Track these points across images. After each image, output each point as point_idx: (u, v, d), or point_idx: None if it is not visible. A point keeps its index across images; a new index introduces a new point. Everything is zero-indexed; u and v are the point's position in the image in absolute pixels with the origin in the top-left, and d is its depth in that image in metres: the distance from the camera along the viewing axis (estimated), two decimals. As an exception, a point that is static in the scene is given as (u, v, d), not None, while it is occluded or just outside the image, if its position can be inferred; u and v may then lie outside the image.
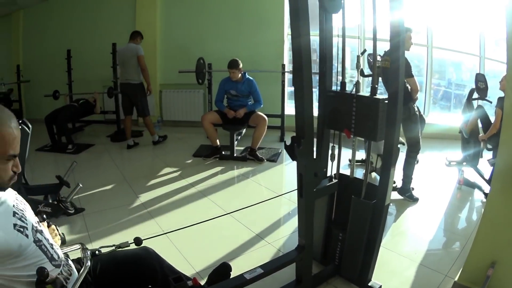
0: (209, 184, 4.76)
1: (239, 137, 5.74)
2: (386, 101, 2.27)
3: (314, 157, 2.37)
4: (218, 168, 5.26)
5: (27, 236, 1.48)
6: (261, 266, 2.28)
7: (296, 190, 2.34)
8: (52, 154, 6.92)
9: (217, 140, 5.54)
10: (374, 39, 2.37)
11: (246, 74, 5.56)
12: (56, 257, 1.63)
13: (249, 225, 3.62)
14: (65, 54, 8.29)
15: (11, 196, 1.57)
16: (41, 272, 1.39)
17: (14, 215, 1.49)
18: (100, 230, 3.86)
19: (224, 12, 7.37)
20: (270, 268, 2.33)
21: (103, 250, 1.95)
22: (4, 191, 1.49)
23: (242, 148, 5.90)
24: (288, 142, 2.25)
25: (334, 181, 2.65)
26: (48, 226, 1.79)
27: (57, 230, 1.89)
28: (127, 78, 6.41)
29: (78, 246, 1.85)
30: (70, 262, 1.79)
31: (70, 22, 8.93)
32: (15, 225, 1.46)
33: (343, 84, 2.56)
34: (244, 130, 5.77)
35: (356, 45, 5.11)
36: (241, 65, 5.36)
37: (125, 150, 6.67)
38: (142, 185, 4.90)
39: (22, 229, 1.48)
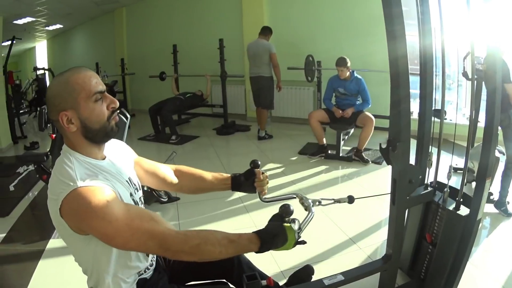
0: (311, 183, 4.72)
1: (346, 137, 5.64)
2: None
3: (411, 162, 2.26)
4: (322, 167, 5.20)
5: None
6: (342, 273, 2.22)
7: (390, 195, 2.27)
8: (154, 143, 7.37)
9: (324, 139, 5.51)
10: (472, 42, 2.22)
11: (355, 72, 5.44)
12: None
13: (344, 228, 3.55)
14: (170, 49, 8.78)
15: (130, 172, 1.65)
16: (288, 208, 1.50)
17: (127, 186, 1.54)
18: (191, 220, 4.00)
19: (333, 8, 7.27)
20: (351, 276, 2.24)
21: (323, 202, 1.94)
22: (110, 137, 1.48)
23: (348, 148, 5.78)
24: (385, 145, 2.17)
25: (430, 189, 2.48)
26: (262, 173, 1.92)
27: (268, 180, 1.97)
28: (258, 72, 6.63)
29: (294, 196, 1.95)
30: None
31: (173, 17, 9.44)
32: (131, 194, 1.54)
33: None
34: (352, 130, 5.66)
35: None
36: (349, 63, 5.27)
37: (230, 143, 6.93)
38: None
39: (136, 202, 1.56)
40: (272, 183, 4.64)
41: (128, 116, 4.56)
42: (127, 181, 1.57)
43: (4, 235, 4.11)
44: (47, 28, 12.76)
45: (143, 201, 1.71)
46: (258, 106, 6.85)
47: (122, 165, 1.61)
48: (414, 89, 2.33)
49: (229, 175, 1.95)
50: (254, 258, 2.73)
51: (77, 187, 1.28)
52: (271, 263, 3.05)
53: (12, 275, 3.57)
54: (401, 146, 2.06)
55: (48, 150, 4.80)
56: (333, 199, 1.96)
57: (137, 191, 1.64)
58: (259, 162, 1.92)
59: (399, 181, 2.14)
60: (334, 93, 5.57)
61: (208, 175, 1.96)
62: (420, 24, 2.35)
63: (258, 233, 1.47)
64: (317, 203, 1.89)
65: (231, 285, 1.98)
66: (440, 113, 2.39)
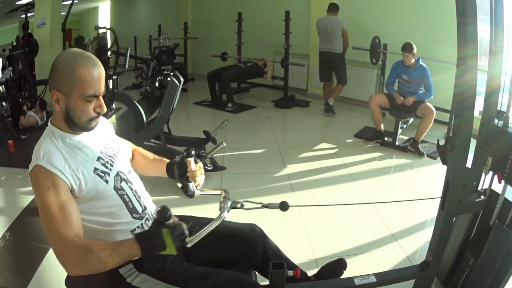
0: (362, 169, 4.67)
1: (405, 126, 5.50)
2: None
3: (468, 165, 2.12)
4: (376, 154, 5.14)
5: (106, 181, 1.63)
6: (375, 275, 2.19)
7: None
8: (209, 109, 7.56)
9: (382, 125, 5.41)
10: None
11: (420, 60, 5.27)
12: (139, 209, 1.75)
13: (388, 222, 3.47)
14: (235, 16, 8.77)
15: (102, 141, 1.74)
16: (163, 212, 1.45)
17: (98, 160, 1.64)
18: (233, 192, 4.09)
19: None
20: (384, 279, 2.22)
21: (247, 206, 1.86)
22: (84, 131, 1.62)
23: (405, 137, 5.62)
24: (443, 142, 2.07)
25: (482, 197, 2.31)
26: (195, 162, 1.87)
27: (202, 172, 1.92)
28: (330, 48, 6.73)
29: (220, 192, 1.86)
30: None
31: None
32: (95, 169, 1.61)
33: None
34: (411, 120, 5.52)
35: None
36: (415, 50, 5.11)
37: (286, 117, 6.96)
38: (293, 155, 5.04)
39: (102, 174, 1.63)
40: (321, 163, 4.82)
41: (181, 79, 4.67)
42: (100, 151, 1.68)
43: None
44: None
45: (126, 163, 1.83)
46: (324, 80, 6.99)
47: (98, 135, 1.72)
48: (480, 87, 2.17)
49: (167, 160, 1.99)
50: (291, 241, 2.75)
51: (37, 163, 1.49)
52: (307, 249, 3.07)
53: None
54: (459, 146, 1.97)
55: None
56: (261, 204, 1.86)
57: (116, 157, 1.74)
58: (193, 151, 1.87)
59: (452, 184, 2.05)
60: (397, 79, 5.45)
61: (151, 157, 2.07)
62: (492, 19, 2.20)
63: (137, 238, 1.48)
64: (239, 205, 1.84)
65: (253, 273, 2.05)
66: (504, 116, 2.28)
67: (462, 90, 1.94)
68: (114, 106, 4.85)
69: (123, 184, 1.71)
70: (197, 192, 1.94)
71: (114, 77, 4.77)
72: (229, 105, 7.42)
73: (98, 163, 1.64)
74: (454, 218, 2.31)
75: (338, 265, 2.24)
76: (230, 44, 9.03)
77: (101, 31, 15.56)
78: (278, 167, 4.66)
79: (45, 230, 1.49)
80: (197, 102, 8.10)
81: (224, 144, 4.33)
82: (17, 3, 10.59)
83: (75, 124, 1.57)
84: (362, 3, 7.26)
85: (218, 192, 1.87)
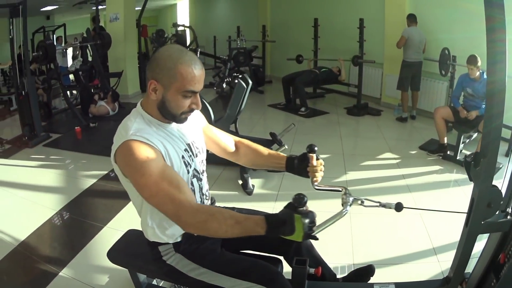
0: (420, 181, 4.70)
1: (467, 140, 5.44)
2: None
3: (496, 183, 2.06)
4: (437, 167, 5.13)
5: (188, 172, 1.80)
6: (396, 284, 2.24)
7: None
8: (283, 112, 7.89)
9: (445, 138, 5.39)
10: None
11: (485, 73, 5.09)
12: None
13: (432, 234, 3.50)
14: (311, 22, 8.95)
15: (190, 137, 1.87)
16: (299, 197, 1.53)
17: (185, 150, 1.81)
18: (289, 193, 4.23)
19: (478, 1, 6.76)
20: None
21: (366, 203, 1.96)
22: (175, 122, 1.76)
23: (468, 152, 5.42)
24: (470, 158, 2.05)
25: (509, 218, 2.22)
26: (317, 159, 1.99)
27: (323, 168, 2.02)
28: (419, 58, 6.91)
29: (340, 189, 1.99)
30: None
31: None
32: (183, 156, 1.78)
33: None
34: (475, 135, 5.43)
35: None
36: (479, 63, 5.02)
37: (356, 125, 7.11)
38: (356, 162, 5.21)
39: (186, 164, 1.79)
40: (381, 172, 4.91)
41: (250, 82, 5.00)
42: (188, 144, 1.84)
43: (105, 172, 5.03)
44: None
45: (205, 164, 1.99)
46: (406, 90, 7.08)
47: (187, 130, 1.87)
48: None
49: (286, 155, 2.08)
50: (334, 243, 2.94)
51: (129, 138, 1.60)
52: (348, 253, 3.22)
53: (101, 208, 4.36)
54: (485, 164, 1.94)
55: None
56: (379, 203, 1.95)
57: (199, 154, 1.91)
58: (316, 148, 1.95)
59: (477, 202, 2.02)
60: (463, 92, 5.41)
61: (265, 151, 2.14)
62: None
63: (266, 217, 1.55)
64: (359, 202, 1.93)
65: (284, 263, 2.17)
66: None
67: (491, 105, 1.95)
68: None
69: (194, 180, 1.87)
70: (314, 187, 2.04)
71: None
72: (302, 109, 7.72)
73: (186, 153, 1.80)
74: (488, 236, 2.28)
75: (366, 271, 2.33)
76: (306, 49, 9.23)
77: (179, 28, 16.32)
78: (338, 173, 4.84)
79: (152, 201, 1.61)
80: (271, 105, 8.53)
81: (286, 147, 4.62)
82: None
83: (169, 114, 1.70)
84: (435, 11, 7.20)
85: (339, 188, 2.01)
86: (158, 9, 21.55)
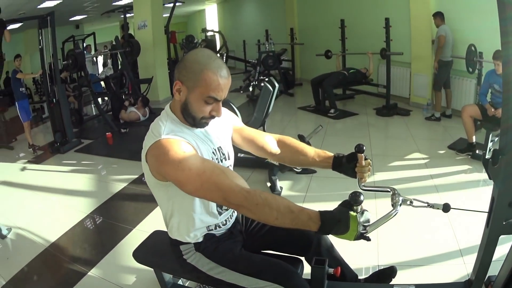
0: (448, 181, 4.63)
1: (496, 139, 5.18)
2: None
3: None
4: (465, 167, 5.04)
5: None
6: (416, 285, 2.21)
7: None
8: (312, 114, 7.96)
9: (474, 136, 5.28)
10: None
11: None
12: (219, 208, 1.96)
13: (459, 236, 3.45)
14: (338, 23, 8.99)
15: (217, 142, 1.92)
16: (355, 195, 1.53)
17: (213, 153, 1.86)
18: (317, 195, 4.40)
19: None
20: None
21: (415, 203, 1.91)
22: (195, 127, 1.79)
23: None
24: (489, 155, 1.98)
25: None
26: (365, 159, 1.98)
27: (370, 168, 2.02)
28: (452, 56, 6.85)
29: (389, 190, 1.94)
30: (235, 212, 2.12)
31: None
32: (212, 158, 1.83)
33: None
34: None
35: None
36: None
37: (386, 125, 7.07)
38: (384, 163, 5.19)
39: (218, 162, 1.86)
40: (408, 172, 4.89)
41: (276, 85, 5.06)
42: (215, 149, 1.88)
43: (136, 176, 5.19)
44: None
45: (231, 170, 1.96)
46: (440, 90, 7.03)
47: (215, 134, 1.93)
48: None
49: (332, 154, 2.06)
50: (359, 245, 3.00)
51: (161, 138, 1.66)
52: (373, 254, 3.21)
53: (130, 211, 4.52)
54: (504, 161, 1.87)
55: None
56: (427, 203, 1.89)
57: (225, 160, 1.93)
58: (364, 147, 1.94)
59: (497, 202, 1.95)
60: (490, 89, 5.28)
61: (311, 150, 2.12)
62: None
63: (321, 213, 1.56)
64: (408, 202, 1.87)
65: (304, 263, 2.18)
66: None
67: (509, 101, 1.88)
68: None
69: None
70: (361, 188, 2.00)
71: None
72: (332, 111, 7.76)
73: (213, 156, 1.86)
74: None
75: (388, 272, 2.30)
76: (334, 51, 9.18)
77: (209, 34, 16.55)
78: None
79: (198, 194, 1.67)
80: (301, 107, 8.63)
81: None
82: (114, 3, 11.53)
83: (190, 116, 1.75)
84: (460, 8, 7.10)
85: (387, 189, 1.96)
86: (187, 15, 21.84)
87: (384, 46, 7.53)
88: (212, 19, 19.05)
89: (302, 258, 2.22)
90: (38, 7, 9.74)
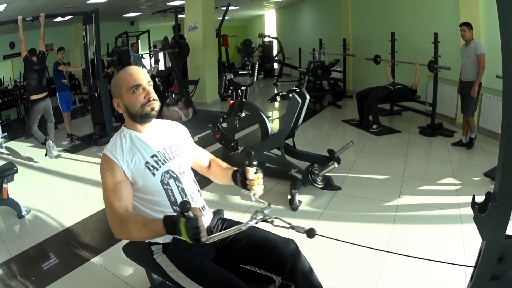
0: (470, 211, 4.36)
1: None
2: None
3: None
4: None
5: (153, 174, 2.09)
6: None
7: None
8: (354, 129, 7.86)
9: None
10: None
11: None
12: None
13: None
14: (389, 36, 8.83)
15: (163, 144, 2.21)
16: (182, 204, 1.72)
17: (152, 157, 2.12)
18: (334, 213, 4.31)
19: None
20: None
21: (276, 222, 1.97)
22: (147, 118, 2.14)
23: None
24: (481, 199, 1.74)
25: None
26: (255, 173, 2.13)
27: (262, 182, 2.16)
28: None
29: (264, 204, 2.10)
30: (206, 214, 2.31)
31: (395, 4, 9.39)
32: (147, 162, 2.10)
33: None
34: None
35: None
36: None
37: (426, 145, 6.87)
38: (413, 186, 4.98)
39: (151, 168, 2.09)
40: (437, 198, 4.65)
41: (307, 97, 5.08)
42: (158, 151, 2.16)
43: None
44: None
45: (187, 166, 2.30)
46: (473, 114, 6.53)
47: (162, 137, 2.23)
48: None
49: (233, 169, 2.32)
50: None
51: (104, 151, 2.10)
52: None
53: None
54: (493, 209, 1.64)
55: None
56: (290, 224, 1.92)
57: (171, 159, 2.20)
58: (254, 162, 2.13)
59: (483, 256, 1.73)
60: None
61: (224, 166, 2.45)
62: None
63: (163, 220, 1.79)
64: (269, 219, 1.95)
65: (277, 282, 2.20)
66: None
67: (508, 136, 1.70)
68: (243, 114, 5.54)
69: (171, 181, 2.15)
70: (253, 200, 2.16)
71: (242, 88, 5.43)
72: (374, 126, 7.62)
73: (151, 159, 2.12)
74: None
75: None
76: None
77: (266, 39, 16.79)
78: (392, 196, 4.67)
79: (103, 201, 2.03)
80: (345, 120, 8.55)
81: (336, 165, 4.62)
82: (168, 3, 11.77)
83: (135, 115, 2.12)
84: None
85: (263, 203, 2.11)
86: (247, 19, 22.13)
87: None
88: (270, 25, 19.19)
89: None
90: (88, 2, 10.01)
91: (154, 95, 2.13)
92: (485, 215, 1.67)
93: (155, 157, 2.14)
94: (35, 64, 7.01)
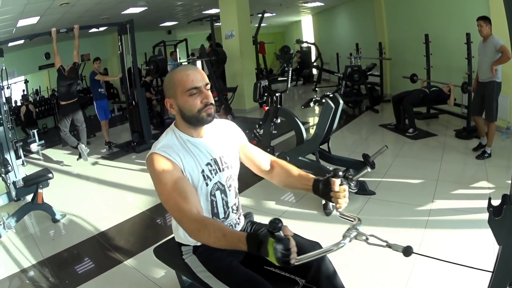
0: None
1: None
2: None
3: None
4: None
5: (206, 184, 2.05)
6: None
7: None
8: (391, 133, 7.81)
9: None
10: None
11: None
12: (221, 216, 2.16)
13: None
14: (423, 38, 8.69)
15: (217, 152, 2.15)
16: (274, 223, 1.56)
17: (207, 165, 2.07)
18: (367, 218, 4.20)
19: None
20: None
21: (371, 240, 1.78)
22: (203, 124, 2.05)
23: None
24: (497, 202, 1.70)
25: None
26: (340, 184, 1.98)
27: (346, 195, 2.00)
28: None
29: (353, 219, 1.91)
30: (240, 225, 2.32)
31: (428, 6, 9.27)
32: (203, 170, 2.04)
33: None
34: None
35: None
36: None
37: (462, 148, 6.72)
38: (447, 190, 4.91)
39: (206, 177, 2.05)
40: (472, 203, 4.63)
41: (341, 102, 5.06)
42: (213, 159, 2.10)
43: None
44: (305, 4, 13.88)
45: (234, 179, 2.24)
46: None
47: (216, 145, 2.15)
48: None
49: (314, 177, 2.14)
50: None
51: (154, 152, 1.97)
52: None
53: None
54: (508, 212, 1.59)
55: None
56: (386, 242, 1.73)
57: (222, 171, 2.14)
58: (340, 172, 1.95)
59: (500, 261, 1.67)
60: None
61: (296, 172, 2.26)
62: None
63: (247, 236, 1.66)
64: (364, 237, 1.79)
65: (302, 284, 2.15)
66: None
67: None
68: (279, 120, 5.63)
69: (217, 192, 2.12)
70: (336, 213, 2.02)
71: (277, 94, 5.52)
72: (410, 130, 7.54)
73: (206, 168, 2.07)
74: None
75: None
76: (420, 67, 8.99)
77: (303, 45, 16.84)
78: (425, 200, 4.62)
79: (165, 206, 1.92)
80: (382, 124, 8.51)
81: (369, 170, 4.66)
82: (204, 12, 11.95)
83: (191, 118, 2.02)
84: None
85: (352, 219, 1.92)
86: (284, 26, 22.24)
87: (465, 64, 7.17)
88: (308, 30, 19.22)
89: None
90: (122, 12, 10.26)
91: (211, 99, 2.03)
92: (500, 218, 1.60)
93: (209, 166, 2.11)
94: (68, 80, 7.46)
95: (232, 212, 2.24)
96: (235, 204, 2.26)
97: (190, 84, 1.98)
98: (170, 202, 1.89)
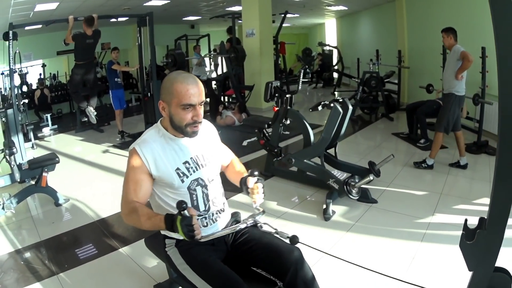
0: (509, 235, 4.11)
1: None
2: None
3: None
4: None
5: (182, 181, 2.18)
6: None
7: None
8: (403, 142, 7.77)
9: None
10: None
11: None
12: (201, 208, 2.28)
13: None
14: (440, 49, 8.67)
15: (197, 150, 2.29)
16: (179, 203, 1.87)
17: (184, 163, 2.20)
18: (365, 226, 4.35)
19: None
20: None
21: (264, 228, 2.35)
22: (185, 136, 2.20)
23: None
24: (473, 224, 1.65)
25: None
26: (256, 182, 2.29)
27: (261, 191, 2.31)
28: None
29: (259, 210, 2.33)
30: (223, 217, 2.42)
31: (447, 17, 9.15)
32: (178, 168, 2.17)
33: None
34: None
35: None
36: None
37: (471, 163, 6.56)
38: (449, 204, 4.87)
39: (182, 175, 2.18)
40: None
41: (350, 107, 5.08)
42: (192, 157, 2.25)
43: None
44: (329, 8, 13.84)
45: (216, 174, 2.39)
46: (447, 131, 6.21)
47: (197, 144, 2.29)
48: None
49: (246, 175, 2.39)
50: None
51: (133, 146, 2.17)
52: None
53: None
54: (481, 237, 1.52)
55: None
56: (276, 230, 2.28)
57: (202, 167, 2.29)
58: (256, 172, 2.28)
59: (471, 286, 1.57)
60: None
61: (237, 168, 2.59)
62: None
63: (165, 217, 1.93)
64: (258, 224, 2.35)
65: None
66: None
67: (503, 155, 1.59)
68: (288, 121, 5.67)
69: (198, 187, 2.25)
70: (253, 207, 2.32)
71: (287, 96, 5.56)
72: (422, 141, 7.46)
73: (183, 166, 2.20)
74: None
75: None
76: (437, 77, 8.86)
77: (325, 48, 16.81)
78: (425, 213, 4.59)
79: (122, 192, 2.13)
80: (395, 133, 8.44)
81: (372, 178, 4.64)
82: (227, 9, 12.08)
83: (177, 127, 2.15)
84: None
85: (259, 210, 2.34)
86: (308, 27, 22.19)
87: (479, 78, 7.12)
88: (331, 33, 19.15)
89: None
90: (144, 4, 10.34)
91: (201, 118, 2.17)
92: (472, 243, 1.54)
93: (187, 164, 2.24)
94: (88, 38, 7.64)
95: (213, 205, 2.35)
96: (215, 197, 2.37)
97: (187, 100, 2.08)
98: (123, 191, 2.15)
